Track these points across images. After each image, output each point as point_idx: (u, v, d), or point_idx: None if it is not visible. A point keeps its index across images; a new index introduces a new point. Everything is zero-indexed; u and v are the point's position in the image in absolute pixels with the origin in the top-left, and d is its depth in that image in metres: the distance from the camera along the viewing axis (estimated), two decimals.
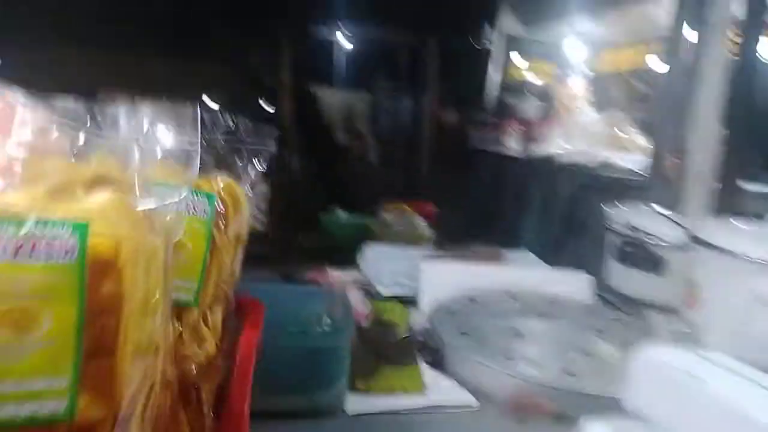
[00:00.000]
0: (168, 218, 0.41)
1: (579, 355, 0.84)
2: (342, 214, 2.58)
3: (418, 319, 0.97)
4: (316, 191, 4.73)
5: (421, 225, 2.32)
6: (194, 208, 0.55)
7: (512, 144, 3.78)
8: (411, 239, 2.25)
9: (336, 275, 1.22)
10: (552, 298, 1.06)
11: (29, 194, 0.34)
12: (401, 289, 1.09)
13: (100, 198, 0.35)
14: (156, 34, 4.92)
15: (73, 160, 0.39)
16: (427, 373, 0.80)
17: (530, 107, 4.02)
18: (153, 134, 0.47)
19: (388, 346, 0.84)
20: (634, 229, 1.14)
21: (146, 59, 4.84)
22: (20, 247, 0.31)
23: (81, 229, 0.33)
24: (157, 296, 0.36)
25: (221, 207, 0.58)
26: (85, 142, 0.41)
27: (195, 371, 0.54)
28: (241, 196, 0.61)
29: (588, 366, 0.82)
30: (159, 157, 0.47)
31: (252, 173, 0.65)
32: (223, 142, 0.63)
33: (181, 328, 0.54)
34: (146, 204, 0.38)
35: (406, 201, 2.86)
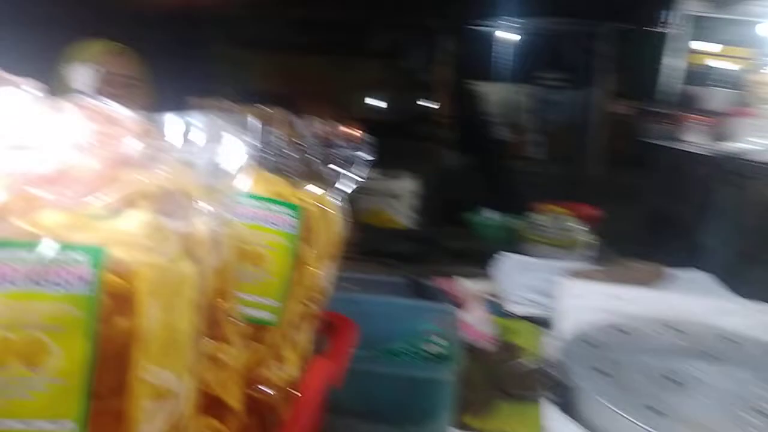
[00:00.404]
0: (217, 237, 0.36)
1: (757, 415, 0.66)
2: (491, 215, 2.45)
3: (552, 346, 0.84)
4: (471, 190, 4.63)
5: (579, 230, 2.12)
6: (275, 221, 0.51)
7: (694, 139, 3.33)
8: (565, 246, 2.07)
9: (465, 286, 1.13)
10: (728, 335, 0.86)
11: (61, 213, 0.31)
12: (534, 308, 0.97)
13: (130, 218, 0.31)
14: (316, 33, 5.20)
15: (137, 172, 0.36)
16: (553, 416, 0.68)
17: (717, 97, 3.51)
18: (222, 145, 0.43)
19: (509, 377, 0.74)
20: None
21: (307, 59, 5.14)
22: (33, 273, 0.29)
23: (96, 254, 0.29)
24: (185, 331, 0.32)
25: (309, 220, 0.53)
26: (150, 155, 0.38)
27: (275, 394, 0.50)
28: (332, 209, 0.56)
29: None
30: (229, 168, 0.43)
31: (347, 183, 0.60)
32: (315, 151, 0.58)
33: (260, 348, 0.50)
34: (186, 224, 0.34)
35: (564, 202, 2.64)
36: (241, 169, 0.52)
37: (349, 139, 0.61)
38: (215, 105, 0.54)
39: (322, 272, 0.55)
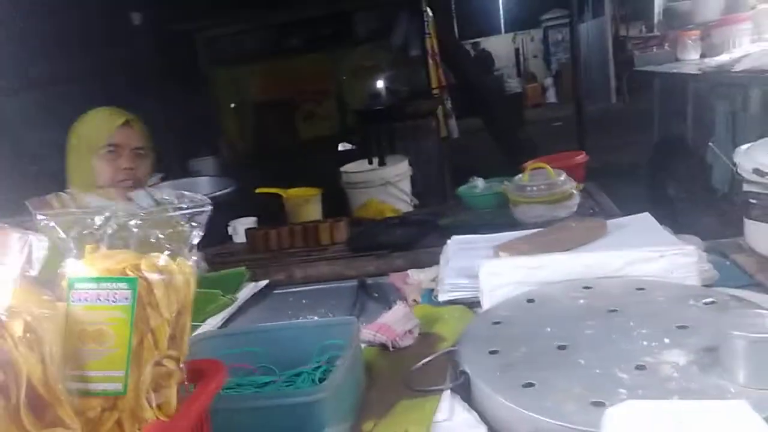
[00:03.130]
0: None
1: (633, 372, 0.66)
2: (479, 183, 2.44)
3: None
4: (467, 160, 4.56)
5: (567, 182, 2.10)
6: (110, 297, 0.56)
7: (688, 57, 3.20)
8: (553, 201, 2.06)
9: (416, 279, 1.17)
10: (637, 284, 0.87)
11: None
12: (462, 292, 1.00)
13: None
14: (304, 33, 5.20)
15: None
16: (448, 406, 0.71)
17: (709, 7, 3.36)
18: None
19: (417, 373, 0.77)
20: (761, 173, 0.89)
21: (300, 59, 5.16)
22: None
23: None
24: None
25: (151, 286, 0.59)
26: None
27: None
28: (178, 270, 0.61)
29: (640, 385, 0.63)
30: None
31: (194, 238, 0.65)
32: (155, 220, 0.64)
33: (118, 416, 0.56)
34: None
35: (552, 155, 2.61)
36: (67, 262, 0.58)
37: (191, 200, 0.66)
38: (50, 204, 0.61)
39: (173, 330, 0.60)
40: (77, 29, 4.23)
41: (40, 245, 0.51)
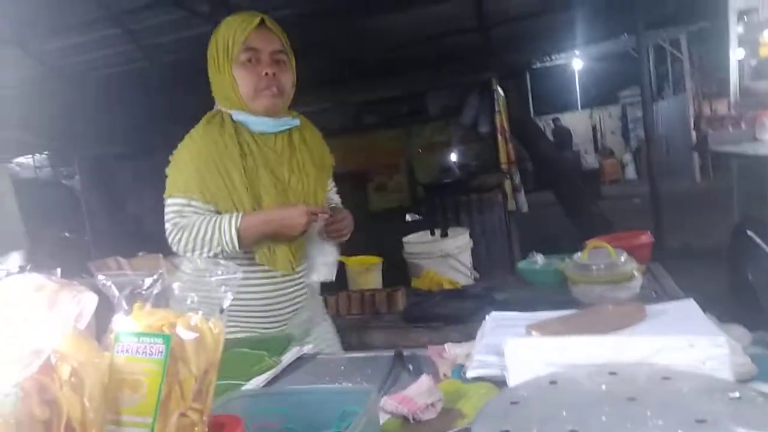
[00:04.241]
0: None
1: None
2: (540, 258, 2.43)
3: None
4: (529, 235, 4.49)
5: (628, 263, 2.05)
6: (147, 351, 0.65)
7: (765, 136, 3.09)
8: (613, 282, 2.01)
9: (452, 353, 1.19)
10: (664, 373, 0.85)
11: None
12: (487, 369, 1.01)
13: None
14: (381, 111, 5.46)
15: None
16: None
17: None
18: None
19: None
20: None
21: (375, 135, 5.39)
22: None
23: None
24: None
25: (183, 343, 0.67)
26: None
27: None
28: (209, 331, 0.69)
29: None
30: None
31: (225, 301, 0.73)
32: (192, 284, 0.72)
33: None
34: None
35: (616, 234, 2.55)
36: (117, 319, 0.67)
37: (224, 267, 0.75)
38: (108, 265, 0.71)
39: (200, 385, 0.67)
40: (180, 104, 4.70)
41: (91, 302, 0.60)
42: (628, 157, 12.43)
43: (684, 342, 0.90)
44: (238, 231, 1.38)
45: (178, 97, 4.69)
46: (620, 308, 1.15)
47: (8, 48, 4.19)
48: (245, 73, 1.41)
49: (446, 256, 2.86)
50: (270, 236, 1.43)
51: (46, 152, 6.40)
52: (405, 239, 3.10)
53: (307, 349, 1.35)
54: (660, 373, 0.87)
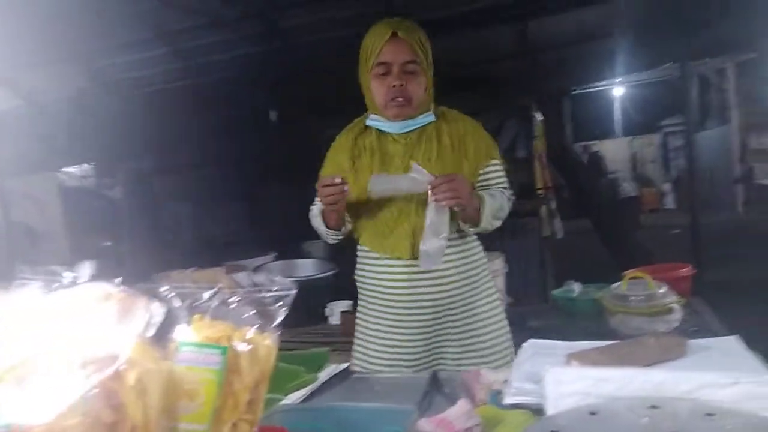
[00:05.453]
0: None
1: None
2: (577, 287, 2.40)
3: None
4: (564, 262, 4.42)
5: (667, 295, 2.02)
6: (206, 361, 0.68)
7: None
8: (651, 314, 1.98)
9: (488, 378, 1.19)
10: (707, 409, 0.84)
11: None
12: (525, 397, 1.01)
13: None
14: None
15: None
16: None
17: None
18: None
19: None
20: None
21: None
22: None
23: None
24: None
25: (237, 356, 0.70)
26: None
27: None
28: (262, 344, 0.72)
29: None
30: None
31: (279, 316, 0.76)
32: (250, 298, 0.76)
33: None
34: None
35: (661, 265, 2.50)
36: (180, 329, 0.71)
37: (280, 284, 0.78)
38: (171, 278, 0.75)
39: (252, 396, 0.70)
40: (214, 121, 4.85)
41: (159, 312, 0.64)
42: (667, 187, 12.19)
43: (728, 379, 0.89)
44: (321, 213, 1.59)
45: (221, 115, 4.85)
46: (661, 341, 1.14)
47: (64, 65, 4.40)
48: (377, 84, 1.52)
49: None
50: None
51: (93, 162, 6.63)
52: None
53: (343, 366, 1.37)
54: (703, 409, 0.86)
